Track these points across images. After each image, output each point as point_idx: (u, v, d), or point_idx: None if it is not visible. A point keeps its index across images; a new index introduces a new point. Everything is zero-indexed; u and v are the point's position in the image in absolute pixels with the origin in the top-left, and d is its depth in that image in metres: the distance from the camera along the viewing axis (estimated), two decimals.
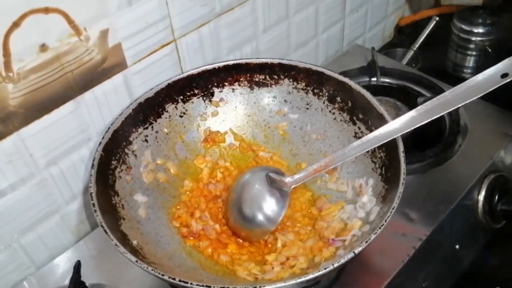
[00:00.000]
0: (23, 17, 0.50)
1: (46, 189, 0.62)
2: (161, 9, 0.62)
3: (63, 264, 0.65)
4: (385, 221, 0.48)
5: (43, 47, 0.53)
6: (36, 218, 0.63)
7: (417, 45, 0.98)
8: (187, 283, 0.45)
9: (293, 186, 0.59)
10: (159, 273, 0.46)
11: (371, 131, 0.60)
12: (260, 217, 0.58)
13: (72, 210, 0.67)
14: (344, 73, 0.73)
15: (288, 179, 0.59)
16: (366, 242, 0.47)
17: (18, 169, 0.58)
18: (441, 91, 0.83)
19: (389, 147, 0.57)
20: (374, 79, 0.87)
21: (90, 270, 0.62)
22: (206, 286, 0.44)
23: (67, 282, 0.54)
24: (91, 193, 0.52)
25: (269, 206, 0.58)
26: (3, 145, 0.55)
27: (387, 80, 0.87)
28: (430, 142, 0.75)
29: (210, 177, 0.67)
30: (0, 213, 0.58)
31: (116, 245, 0.47)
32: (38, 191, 0.61)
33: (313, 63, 0.68)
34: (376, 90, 0.79)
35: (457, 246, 0.68)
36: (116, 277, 0.62)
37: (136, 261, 0.46)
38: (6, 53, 0.50)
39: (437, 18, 0.96)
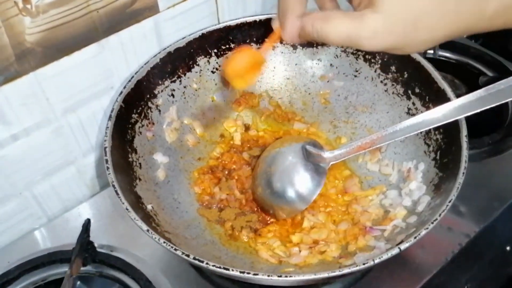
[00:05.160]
0: None
1: (63, 138, 0.59)
2: None
3: (74, 219, 0.62)
4: (439, 215, 0.42)
5: None
6: (50, 168, 0.60)
7: None
8: (202, 262, 0.39)
9: (332, 163, 0.52)
10: (172, 247, 0.41)
11: (427, 108, 0.54)
12: (290, 193, 0.53)
13: (89, 163, 0.64)
14: None
15: (326, 154, 0.52)
16: (415, 237, 0.40)
17: (33, 113, 0.54)
18: (506, 71, 0.75)
19: (448, 128, 0.50)
20: (431, 51, 0.79)
21: (102, 228, 0.59)
22: (224, 268, 0.38)
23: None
24: (105, 148, 0.48)
25: (303, 182, 0.52)
26: (18, 85, 0.51)
27: (445, 54, 0.80)
28: (488, 126, 0.68)
29: (243, 144, 0.62)
30: (12, 158, 0.56)
31: (127, 209, 0.42)
32: (53, 139, 0.58)
33: None
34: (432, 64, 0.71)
35: (508, 248, 0.61)
36: (128, 240, 0.58)
37: (148, 231, 0.41)
38: None
39: None
